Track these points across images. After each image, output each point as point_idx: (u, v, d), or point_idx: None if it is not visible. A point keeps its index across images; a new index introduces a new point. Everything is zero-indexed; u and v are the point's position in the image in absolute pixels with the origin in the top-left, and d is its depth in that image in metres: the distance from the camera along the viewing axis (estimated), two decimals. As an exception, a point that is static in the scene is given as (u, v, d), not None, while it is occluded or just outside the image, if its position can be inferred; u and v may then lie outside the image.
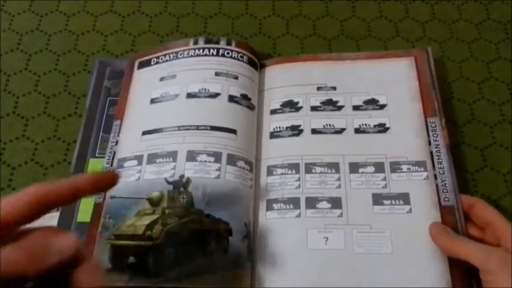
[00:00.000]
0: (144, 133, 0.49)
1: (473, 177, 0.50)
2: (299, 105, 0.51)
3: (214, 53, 0.53)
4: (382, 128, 0.49)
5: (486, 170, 0.50)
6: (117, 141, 0.50)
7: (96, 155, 0.50)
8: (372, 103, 0.51)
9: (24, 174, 0.51)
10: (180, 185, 0.45)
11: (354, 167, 0.47)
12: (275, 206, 0.46)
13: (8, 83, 0.56)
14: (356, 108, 0.51)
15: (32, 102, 0.55)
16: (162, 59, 0.54)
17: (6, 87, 0.56)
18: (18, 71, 0.57)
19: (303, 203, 0.46)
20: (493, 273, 0.37)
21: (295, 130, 0.50)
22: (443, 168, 0.46)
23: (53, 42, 0.60)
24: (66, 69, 0.58)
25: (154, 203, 0.44)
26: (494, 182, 0.50)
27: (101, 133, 0.51)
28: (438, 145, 0.47)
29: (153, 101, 0.51)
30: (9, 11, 0.62)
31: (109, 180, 0.30)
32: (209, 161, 0.46)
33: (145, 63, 0.55)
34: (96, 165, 0.49)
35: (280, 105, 0.52)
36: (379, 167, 0.47)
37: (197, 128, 0.48)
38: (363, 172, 0.47)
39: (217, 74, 0.52)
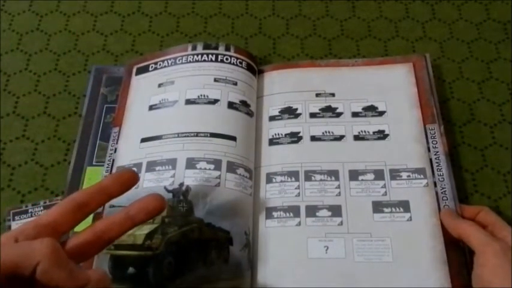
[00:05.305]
0: (143, 140, 0.49)
1: (473, 177, 0.50)
2: (298, 111, 0.51)
3: (213, 58, 0.52)
4: (381, 135, 0.49)
5: (486, 170, 0.51)
6: (115, 149, 0.49)
7: (94, 163, 0.50)
8: (371, 110, 0.51)
9: (24, 174, 0.51)
10: (180, 194, 0.45)
11: (354, 175, 0.47)
12: (275, 214, 0.46)
13: (8, 83, 0.56)
14: (355, 115, 0.51)
15: (32, 102, 0.55)
16: (160, 64, 0.54)
17: (6, 87, 0.56)
18: (18, 71, 0.57)
19: (303, 212, 0.45)
20: (489, 258, 0.38)
21: (294, 137, 0.50)
22: (442, 175, 0.46)
23: (53, 42, 0.60)
24: (66, 69, 0.58)
25: (153, 211, 0.44)
26: (494, 182, 0.50)
27: (98, 141, 0.51)
28: (437, 152, 0.47)
29: (151, 107, 0.51)
30: (9, 11, 0.62)
31: (131, 176, 0.33)
32: (209, 169, 0.46)
33: (144, 69, 0.54)
34: (93, 173, 0.49)
35: (279, 112, 0.52)
36: (378, 175, 0.47)
37: (196, 134, 0.48)
38: (362, 179, 0.47)
39: (216, 80, 0.51)
